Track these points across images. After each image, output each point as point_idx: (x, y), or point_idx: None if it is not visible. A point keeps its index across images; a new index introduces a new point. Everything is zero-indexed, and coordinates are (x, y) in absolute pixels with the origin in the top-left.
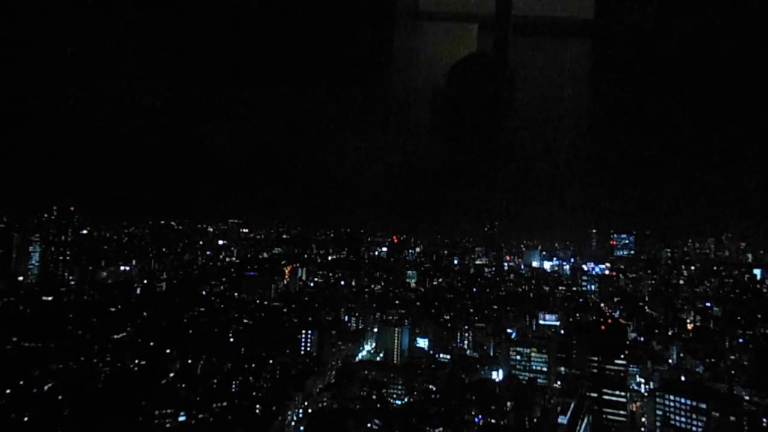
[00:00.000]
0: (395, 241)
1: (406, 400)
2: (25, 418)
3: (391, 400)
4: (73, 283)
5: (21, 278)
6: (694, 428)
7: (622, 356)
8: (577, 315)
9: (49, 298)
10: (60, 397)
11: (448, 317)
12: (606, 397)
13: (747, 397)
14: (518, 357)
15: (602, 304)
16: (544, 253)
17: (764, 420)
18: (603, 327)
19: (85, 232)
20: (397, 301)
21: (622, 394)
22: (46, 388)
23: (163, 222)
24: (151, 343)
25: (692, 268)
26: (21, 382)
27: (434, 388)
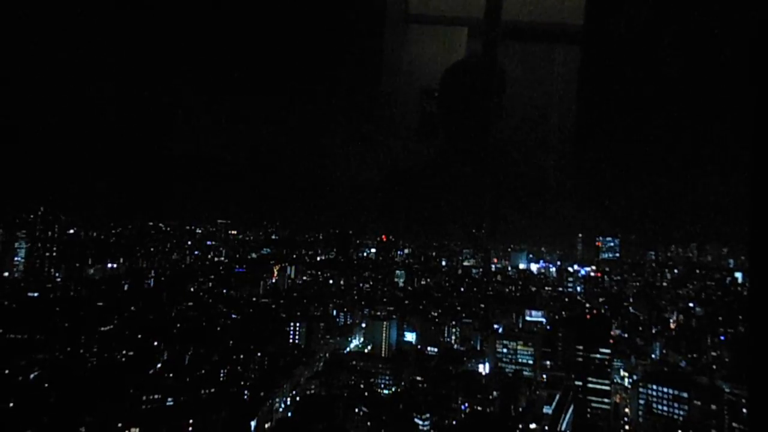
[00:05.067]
0: (384, 239)
1: (393, 389)
2: (11, 405)
3: (379, 390)
4: (59, 279)
5: (6, 274)
6: (676, 416)
7: (607, 346)
8: (563, 312)
9: (35, 294)
10: (46, 386)
11: (435, 314)
12: (590, 385)
13: (728, 390)
14: (504, 350)
15: (587, 304)
16: (530, 255)
17: (744, 409)
18: (588, 316)
19: (71, 231)
20: (385, 299)
21: (606, 382)
22: (31, 376)
23: (150, 223)
24: (139, 336)
25: (675, 271)
26: (6, 371)
27: (421, 379)
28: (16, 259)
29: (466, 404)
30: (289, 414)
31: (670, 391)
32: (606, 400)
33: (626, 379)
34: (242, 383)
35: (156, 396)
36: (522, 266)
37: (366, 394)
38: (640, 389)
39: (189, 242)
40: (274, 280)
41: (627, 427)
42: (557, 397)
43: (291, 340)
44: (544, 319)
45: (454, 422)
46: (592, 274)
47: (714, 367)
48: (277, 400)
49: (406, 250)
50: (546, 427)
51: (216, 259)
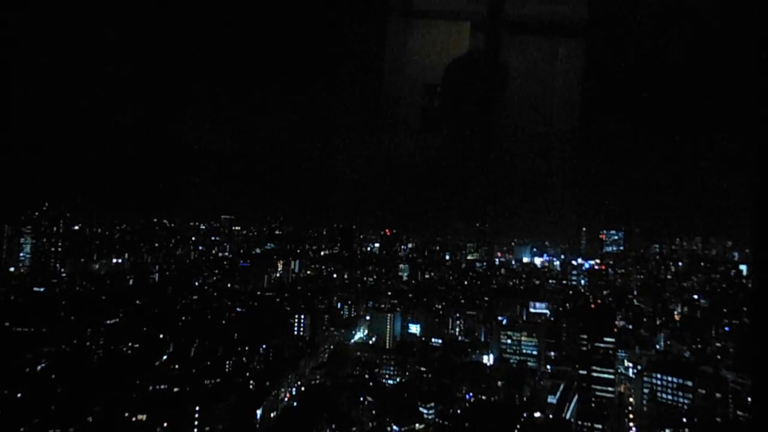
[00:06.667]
0: (387, 233)
1: (398, 380)
2: (19, 395)
3: (384, 380)
4: (64, 274)
5: (12, 269)
6: (680, 404)
7: (610, 335)
8: (567, 305)
9: (41, 289)
10: (53, 377)
11: (439, 306)
12: (595, 374)
13: (732, 379)
14: (508, 341)
15: (591, 297)
16: (534, 249)
17: (749, 398)
18: (592, 306)
19: (76, 227)
20: (389, 292)
21: (610, 371)
22: (39, 368)
23: (155, 219)
24: (144, 329)
25: (680, 263)
26: (14, 364)
27: (426, 369)
28: (21, 254)
29: (471, 393)
30: (294, 404)
31: (675, 380)
32: (610, 389)
33: (630, 370)
34: (247, 374)
35: (162, 386)
36: (526, 260)
37: (371, 384)
38: (645, 378)
39: (193, 238)
40: (278, 275)
41: (631, 416)
42: (561, 387)
43: (295, 333)
44: (547, 311)
45: (458, 411)
46: (596, 267)
47: (718, 357)
48: (283, 389)
49: (410, 245)
50: (551, 416)
51: (220, 254)
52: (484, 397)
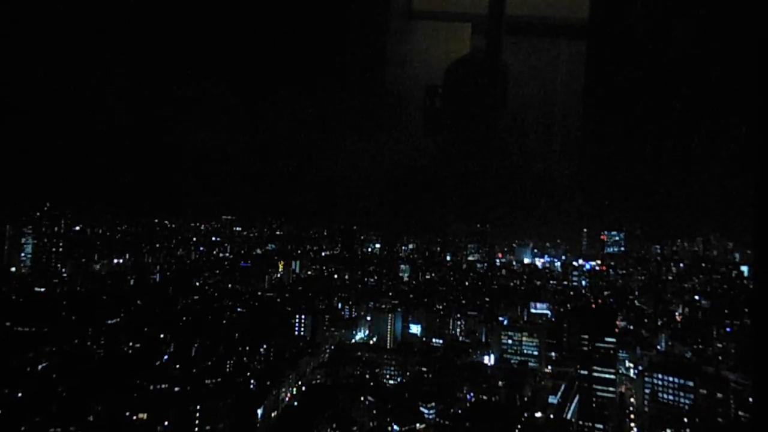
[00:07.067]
0: (388, 233)
1: (399, 380)
2: (20, 394)
3: (385, 380)
4: (65, 274)
5: (13, 269)
6: (681, 405)
7: (612, 335)
8: (568, 305)
9: (42, 289)
10: (54, 376)
11: (440, 307)
12: (596, 374)
13: (733, 379)
14: (509, 342)
15: (592, 297)
16: (535, 250)
17: (750, 399)
18: (594, 306)
19: (77, 228)
20: (390, 293)
21: (611, 371)
22: (40, 367)
23: (156, 220)
24: (145, 329)
25: (681, 264)
26: (14, 363)
27: (426, 369)
28: (22, 254)
29: (472, 393)
30: (295, 404)
31: (676, 380)
32: (611, 389)
33: (632, 370)
34: (248, 374)
35: (163, 386)
36: (527, 261)
37: (371, 384)
38: (646, 378)
39: (194, 239)
40: (279, 275)
41: (632, 416)
42: (562, 387)
43: (296, 333)
44: (549, 312)
45: (459, 411)
46: (597, 268)
47: (720, 357)
48: (283, 389)
49: (410, 246)
50: (552, 416)
51: (221, 255)
52: (484, 398)
